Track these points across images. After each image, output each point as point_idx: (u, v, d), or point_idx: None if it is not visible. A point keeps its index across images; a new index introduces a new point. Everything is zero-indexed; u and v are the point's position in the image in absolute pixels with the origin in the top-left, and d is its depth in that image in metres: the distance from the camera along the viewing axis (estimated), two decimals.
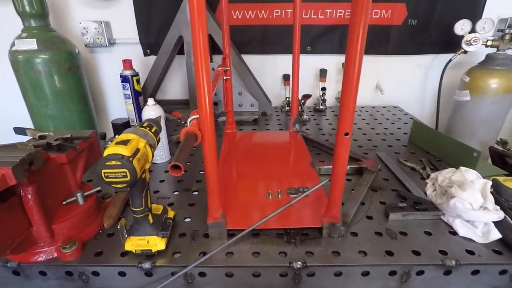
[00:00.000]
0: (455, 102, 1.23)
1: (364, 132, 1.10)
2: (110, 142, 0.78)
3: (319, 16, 1.25)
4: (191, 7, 0.41)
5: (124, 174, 0.45)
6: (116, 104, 1.44)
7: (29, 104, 1.15)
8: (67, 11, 1.27)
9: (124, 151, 0.45)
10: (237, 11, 1.25)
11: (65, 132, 0.66)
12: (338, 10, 1.25)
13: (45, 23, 1.10)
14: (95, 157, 0.70)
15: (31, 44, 1.05)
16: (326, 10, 1.25)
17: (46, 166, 0.54)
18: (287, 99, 1.31)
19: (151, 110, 0.85)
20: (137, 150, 0.48)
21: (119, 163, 0.44)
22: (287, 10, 1.24)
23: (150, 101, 0.85)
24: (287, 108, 1.30)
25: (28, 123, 1.20)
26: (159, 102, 1.39)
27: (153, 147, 0.53)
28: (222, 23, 0.96)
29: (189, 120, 0.52)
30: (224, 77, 0.95)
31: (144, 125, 0.56)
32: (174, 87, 1.42)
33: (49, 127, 1.17)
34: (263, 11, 1.25)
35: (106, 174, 0.45)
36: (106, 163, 0.44)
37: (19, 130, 0.69)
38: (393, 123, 1.18)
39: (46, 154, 0.54)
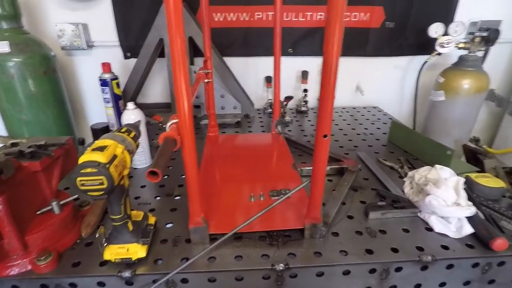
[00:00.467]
0: (431, 102, 1.27)
1: (345, 132, 1.12)
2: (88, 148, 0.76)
3: (300, 19, 1.27)
4: (168, 9, 0.41)
5: (101, 181, 0.44)
6: (96, 108, 1.40)
7: (2, 109, 1.10)
8: (41, 13, 1.23)
9: (101, 157, 0.44)
10: (218, 14, 1.25)
11: (39, 138, 0.64)
12: (319, 13, 1.27)
13: (17, 25, 1.06)
14: (72, 164, 0.68)
15: (3, 47, 1.01)
16: (307, 13, 1.26)
17: (18, 175, 0.52)
18: (270, 101, 1.32)
19: (131, 114, 0.84)
20: (114, 156, 0.47)
21: (95, 170, 0.43)
22: (268, 13, 1.25)
23: (130, 105, 0.84)
24: (270, 110, 1.31)
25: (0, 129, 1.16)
26: (140, 105, 1.37)
27: (131, 153, 0.52)
28: (203, 26, 0.96)
29: (168, 124, 0.51)
30: (206, 80, 0.94)
31: (123, 130, 0.55)
32: (156, 90, 1.40)
33: (23, 132, 1.12)
34: (244, 14, 1.25)
35: (81, 182, 0.43)
36: (82, 171, 0.43)
37: None
38: (373, 123, 1.21)
39: (18, 162, 0.52)
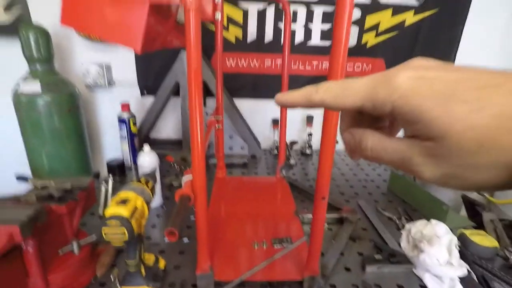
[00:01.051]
0: None
1: (347, 178, 1.17)
2: (105, 184, 0.83)
3: (307, 67, 1.37)
4: (189, 74, 0.48)
5: (123, 233, 0.49)
6: (111, 142, 1.48)
7: (27, 142, 1.19)
8: (70, 54, 1.35)
9: (124, 211, 0.50)
10: (230, 59, 1.35)
11: (64, 180, 0.70)
12: (324, 62, 1.37)
13: (49, 67, 1.17)
14: (91, 203, 0.74)
15: (35, 87, 1.11)
16: (313, 62, 1.36)
17: (48, 219, 0.58)
18: (276, 143, 1.39)
19: (146, 156, 0.91)
20: (135, 208, 0.53)
21: (119, 223, 0.49)
22: (277, 61, 1.35)
23: (146, 148, 0.91)
24: (276, 152, 1.37)
25: (22, 158, 1.23)
26: (153, 140, 1.47)
27: (149, 203, 0.58)
28: (216, 70, 1.05)
29: (183, 180, 0.57)
30: (217, 126, 1.02)
31: (142, 180, 0.61)
32: (168, 127, 1.48)
33: (44, 164, 1.20)
34: (254, 60, 1.35)
35: (106, 233, 0.49)
36: (107, 222, 0.49)
37: (21, 178, 0.73)
38: (374, 170, 1.26)
39: (49, 207, 0.58)
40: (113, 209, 0.50)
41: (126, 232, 0.49)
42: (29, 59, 1.12)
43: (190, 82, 0.46)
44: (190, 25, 0.45)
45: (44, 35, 1.11)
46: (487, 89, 0.17)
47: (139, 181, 0.61)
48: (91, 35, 1.24)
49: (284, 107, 0.28)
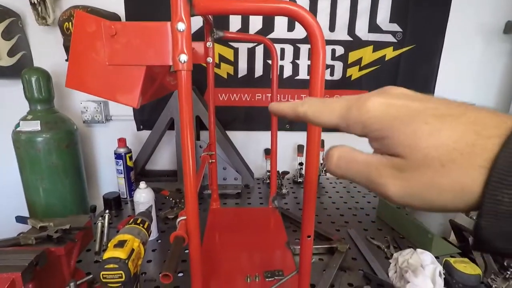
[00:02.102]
0: None
1: (337, 206, 1.21)
2: (101, 219, 0.85)
3: (295, 100, 1.43)
4: (181, 110, 0.53)
5: (120, 275, 0.52)
6: (108, 175, 1.51)
7: (25, 178, 1.21)
8: (70, 91, 1.41)
9: (121, 254, 0.53)
10: (223, 94, 1.42)
11: (62, 221, 0.73)
12: None
13: (49, 106, 1.22)
14: (88, 240, 0.76)
15: (35, 126, 1.16)
16: (301, 95, 1.44)
17: (47, 261, 0.60)
18: (268, 172, 1.43)
19: (142, 193, 0.94)
20: (132, 250, 0.56)
21: (116, 266, 0.52)
22: (267, 94, 1.42)
23: (142, 184, 0.95)
24: (268, 181, 1.41)
25: (18, 192, 1.25)
26: (148, 172, 1.50)
27: (145, 244, 0.61)
28: (208, 104, 1.10)
29: (177, 221, 0.61)
30: (210, 161, 1.06)
31: (138, 221, 0.64)
32: (163, 158, 1.52)
33: (40, 200, 1.22)
34: (246, 94, 1.42)
35: (104, 276, 0.52)
36: (105, 266, 0.52)
37: (20, 219, 0.76)
38: (364, 197, 1.30)
39: (48, 250, 0.61)
40: (110, 253, 0.53)
41: (124, 275, 0.52)
42: (30, 99, 1.17)
43: (184, 138, 0.51)
44: (182, 84, 0.50)
45: (45, 77, 1.17)
46: (448, 117, 0.18)
47: (135, 222, 0.64)
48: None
49: (274, 115, 0.32)
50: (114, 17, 1.25)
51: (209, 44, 0.94)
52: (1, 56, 1.21)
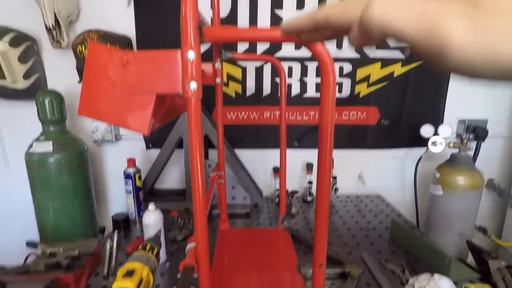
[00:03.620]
0: (431, 195, 1.34)
1: (349, 226, 1.18)
2: (110, 241, 0.85)
3: (304, 117, 1.43)
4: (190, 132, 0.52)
5: None
6: (117, 195, 1.51)
7: (36, 199, 1.22)
8: None
9: (130, 284, 0.52)
10: (231, 113, 1.42)
11: (72, 246, 0.73)
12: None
13: (61, 127, 1.24)
14: (96, 265, 0.76)
15: (47, 147, 1.17)
16: (310, 112, 1.43)
17: None
18: (277, 191, 1.42)
19: (151, 215, 0.94)
20: (141, 280, 0.55)
21: None
22: (275, 112, 1.42)
23: (151, 206, 0.94)
24: (277, 200, 1.39)
25: (30, 214, 1.26)
26: (157, 191, 1.49)
27: (154, 272, 0.60)
28: (217, 123, 1.10)
29: (187, 248, 0.60)
30: (219, 181, 1.05)
31: (147, 247, 0.63)
32: (172, 177, 1.52)
33: (50, 220, 1.22)
34: (254, 112, 1.43)
35: None
36: None
37: (31, 244, 0.76)
38: (376, 216, 1.27)
39: (57, 278, 0.61)
40: (119, 283, 0.52)
41: None
42: (43, 121, 1.20)
43: (193, 169, 0.50)
44: (191, 111, 0.50)
45: (58, 98, 1.20)
46: None
47: (144, 248, 0.63)
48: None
49: (291, 34, 0.27)
50: (125, 40, 1.28)
51: (217, 65, 0.95)
52: (17, 79, 1.25)
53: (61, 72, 1.36)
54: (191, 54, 0.47)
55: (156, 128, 0.60)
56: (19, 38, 1.24)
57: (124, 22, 1.31)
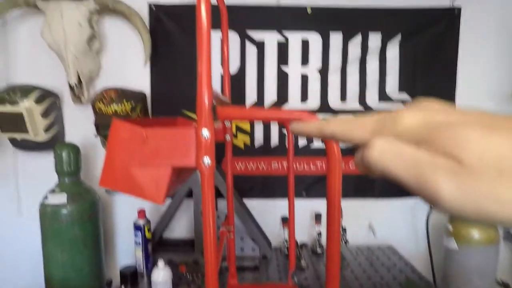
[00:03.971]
0: (446, 248, 1.30)
1: (361, 282, 1.14)
2: None
3: (311, 168, 1.46)
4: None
5: None
6: (125, 246, 1.50)
7: (46, 250, 1.23)
8: (95, 162, 1.49)
9: None
10: (240, 163, 1.46)
11: None
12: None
13: (76, 179, 1.28)
14: None
15: (61, 199, 1.20)
16: (317, 162, 1.46)
17: None
18: (286, 243, 1.39)
19: (161, 271, 0.93)
20: None
21: None
22: (283, 163, 1.45)
23: (160, 263, 0.94)
24: (286, 252, 1.37)
25: (37, 266, 1.25)
26: (165, 241, 1.49)
27: None
28: (227, 175, 1.13)
29: None
30: (228, 236, 1.05)
31: None
32: (181, 226, 1.52)
33: (59, 272, 1.22)
34: (262, 163, 1.46)
35: None
36: None
37: None
38: (389, 271, 1.23)
39: None
40: None
41: None
42: (59, 172, 1.24)
43: (206, 238, 0.52)
44: (205, 184, 0.53)
45: (75, 151, 1.25)
46: (495, 127, 0.17)
47: None
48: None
49: (298, 135, 0.30)
50: (140, 95, 1.37)
51: (227, 123, 1.00)
52: (38, 133, 1.32)
53: (79, 125, 1.44)
54: (206, 132, 0.52)
55: (171, 193, 0.62)
56: (44, 95, 1.33)
57: (140, 79, 1.41)
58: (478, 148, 0.16)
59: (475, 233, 1.19)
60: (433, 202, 0.17)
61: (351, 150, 1.44)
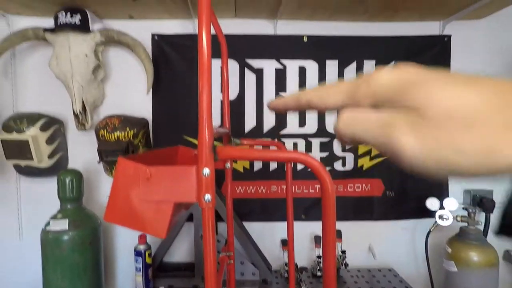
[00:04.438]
0: (446, 270, 1.30)
1: None
2: None
3: (310, 190, 1.48)
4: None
5: None
6: (125, 271, 1.50)
7: (46, 276, 1.23)
8: (97, 187, 1.51)
9: None
10: (239, 187, 1.48)
11: None
12: None
13: (78, 205, 1.30)
14: None
15: (63, 225, 1.22)
16: (315, 185, 1.48)
17: None
18: (286, 266, 1.40)
19: None
20: None
21: None
22: (282, 186, 1.47)
23: None
24: (286, 275, 1.37)
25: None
26: (165, 264, 1.49)
27: None
28: (226, 197, 1.14)
29: None
30: (228, 261, 1.06)
31: None
32: (181, 250, 1.52)
33: None
34: (262, 187, 1.48)
35: None
36: None
37: None
38: None
39: None
40: None
41: None
42: (62, 199, 1.26)
43: (207, 271, 0.54)
44: (206, 219, 0.56)
45: (78, 177, 1.28)
46: (467, 82, 0.17)
47: None
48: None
49: (277, 111, 0.29)
50: (142, 121, 1.41)
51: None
52: (43, 159, 1.35)
53: (82, 151, 1.47)
54: (206, 171, 0.55)
55: (173, 227, 0.64)
56: (49, 123, 1.37)
57: (142, 106, 1.46)
58: (441, 101, 0.16)
59: (474, 256, 1.20)
60: (398, 159, 0.19)
61: (348, 174, 1.47)
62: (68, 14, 1.22)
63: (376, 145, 0.19)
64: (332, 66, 1.45)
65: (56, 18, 1.24)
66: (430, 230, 1.36)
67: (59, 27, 1.23)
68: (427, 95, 0.16)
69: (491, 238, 1.31)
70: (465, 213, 1.30)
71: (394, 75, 0.19)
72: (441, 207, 1.32)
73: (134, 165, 0.58)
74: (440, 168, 0.17)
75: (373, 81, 0.20)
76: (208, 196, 0.55)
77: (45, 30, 1.25)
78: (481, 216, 1.35)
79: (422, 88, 0.17)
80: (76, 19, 1.23)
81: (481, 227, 1.30)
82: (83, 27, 1.25)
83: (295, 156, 0.54)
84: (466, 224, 1.28)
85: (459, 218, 1.28)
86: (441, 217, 1.30)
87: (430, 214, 1.39)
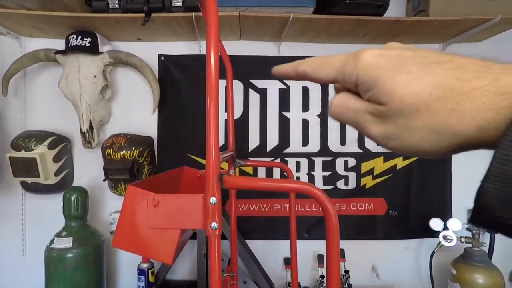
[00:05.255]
0: None
1: None
2: None
3: (313, 209, 1.48)
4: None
5: None
6: (127, 286, 1.50)
7: None
8: (101, 204, 1.52)
9: None
10: (243, 205, 1.49)
11: None
12: None
13: (83, 222, 1.31)
14: None
15: (67, 243, 1.23)
16: (318, 204, 1.48)
17: None
18: (289, 286, 1.39)
19: None
20: None
21: None
22: (285, 204, 1.48)
23: None
24: None
25: None
26: (168, 283, 1.48)
27: None
28: (230, 216, 1.15)
29: None
30: (231, 282, 1.06)
31: None
32: (183, 268, 1.52)
33: None
34: (265, 205, 1.48)
35: None
36: None
37: None
38: None
39: None
40: None
41: None
42: (67, 216, 1.27)
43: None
44: (212, 246, 0.57)
45: (83, 195, 1.29)
46: (432, 64, 0.20)
47: None
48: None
49: (278, 76, 0.31)
50: (148, 140, 1.43)
51: (231, 172, 1.05)
52: (49, 176, 1.37)
53: (87, 168, 1.49)
54: (213, 200, 0.56)
55: (179, 252, 0.65)
56: (57, 141, 1.39)
57: (148, 124, 1.48)
58: (403, 92, 0.20)
59: (479, 278, 1.19)
60: (372, 140, 0.24)
61: (351, 192, 1.48)
62: (79, 37, 1.26)
63: (356, 129, 0.24)
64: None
65: (67, 41, 1.28)
66: (434, 250, 1.35)
67: (70, 49, 1.28)
68: (390, 90, 0.20)
69: (496, 259, 1.30)
70: (469, 234, 1.29)
71: (376, 59, 0.22)
72: (445, 227, 1.32)
73: (142, 193, 0.59)
74: (402, 148, 0.21)
75: (358, 60, 0.22)
76: (214, 224, 0.56)
77: (57, 52, 1.29)
78: (485, 237, 1.35)
79: (389, 79, 0.20)
80: (87, 41, 1.27)
81: (486, 248, 1.29)
82: (93, 49, 1.29)
83: (300, 187, 0.56)
84: (470, 245, 1.27)
85: (463, 239, 1.28)
86: (445, 237, 1.30)
87: (434, 233, 1.38)
